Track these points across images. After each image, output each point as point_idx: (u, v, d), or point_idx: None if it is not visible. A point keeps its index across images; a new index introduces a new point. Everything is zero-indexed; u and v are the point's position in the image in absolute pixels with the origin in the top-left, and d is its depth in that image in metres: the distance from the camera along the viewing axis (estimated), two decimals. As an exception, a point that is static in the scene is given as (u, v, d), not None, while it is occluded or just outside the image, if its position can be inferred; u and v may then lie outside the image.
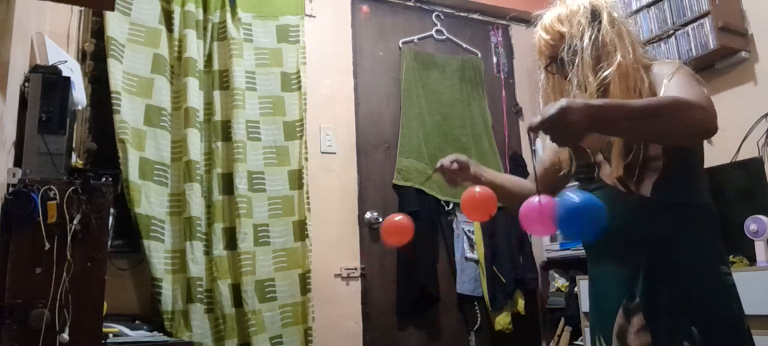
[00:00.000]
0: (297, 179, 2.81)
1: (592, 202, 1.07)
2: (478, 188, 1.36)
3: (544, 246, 3.40)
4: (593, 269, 1.41)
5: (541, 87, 1.45)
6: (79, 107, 2.29)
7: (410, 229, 1.43)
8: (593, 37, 1.31)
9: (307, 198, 2.79)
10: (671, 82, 1.22)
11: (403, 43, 3.35)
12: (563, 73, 1.37)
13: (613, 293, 1.30)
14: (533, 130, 1.04)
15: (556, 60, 1.36)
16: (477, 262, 3.16)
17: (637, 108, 1.09)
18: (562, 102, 1.02)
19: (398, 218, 1.46)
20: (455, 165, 1.47)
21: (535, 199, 1.10)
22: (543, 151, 1.61)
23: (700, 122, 1.10)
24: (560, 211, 1.07)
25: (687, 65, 1.29)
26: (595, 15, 1.33)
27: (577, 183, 1.45)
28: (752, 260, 2.35)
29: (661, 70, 1.29)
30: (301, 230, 2.74)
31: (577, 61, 1.31)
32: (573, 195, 1.08)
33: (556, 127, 1.02)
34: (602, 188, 1.33)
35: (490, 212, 1.35)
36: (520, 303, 3.18)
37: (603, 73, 1.29)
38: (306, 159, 2.84)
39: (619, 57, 1.28)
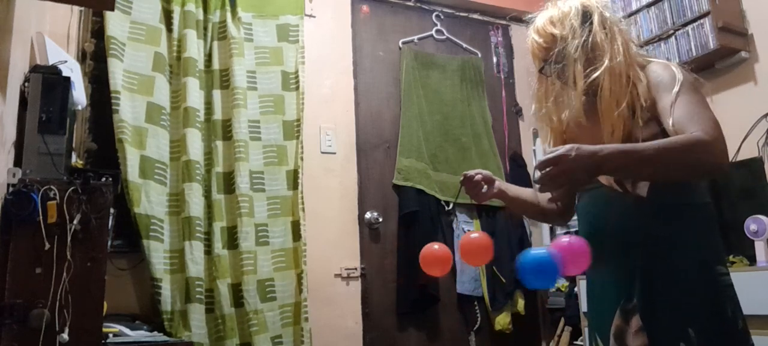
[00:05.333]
0: (294, 179, 2.80)
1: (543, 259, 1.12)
2: (475, 234, 1.38)
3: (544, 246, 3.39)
4: (590, 269, 1.38)
5: (533, 91, 1.46)
6: (79, 107, 2.29)
7: (449, 258, 1.42)
8: (583, 38, 1.31)
9: (302, 199, 2.79)
10: (678, 104, 1.19)
11: (403, 43, 3.35)
12: (556, 75, 1.37)
13: (610, 293, 1.30)
14: (537, 168, 1.09)
15: (549, 63, 1.36)
16: (477, 262, 3.16)
17: (647, 155, 1.11)
18: (565, 149, 1.07)
19: (436, 246, 1.43)
20: (480, 177, 1.45)
21: (565, 239, 1.15)
22: None
23: (711, 167, 1.13)
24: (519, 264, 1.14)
25: (684, 66, 1.28)
26: (586, 16, 1.33)
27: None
28: (752, 260, 2.34)
29: (659, 73, 1.27)
30: (297, 231, 2.74)
31: (566, 62, 1.32)
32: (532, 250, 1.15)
33: (556, 175, 1.07)
34: (598, 189, 1.33)
35: (487, 258, 1.36)
36: (520, 303, 3.19)
37: (593, 74, 1.29)
38: (302, 159, 2.84)
39: (607, 60, 1.28)
